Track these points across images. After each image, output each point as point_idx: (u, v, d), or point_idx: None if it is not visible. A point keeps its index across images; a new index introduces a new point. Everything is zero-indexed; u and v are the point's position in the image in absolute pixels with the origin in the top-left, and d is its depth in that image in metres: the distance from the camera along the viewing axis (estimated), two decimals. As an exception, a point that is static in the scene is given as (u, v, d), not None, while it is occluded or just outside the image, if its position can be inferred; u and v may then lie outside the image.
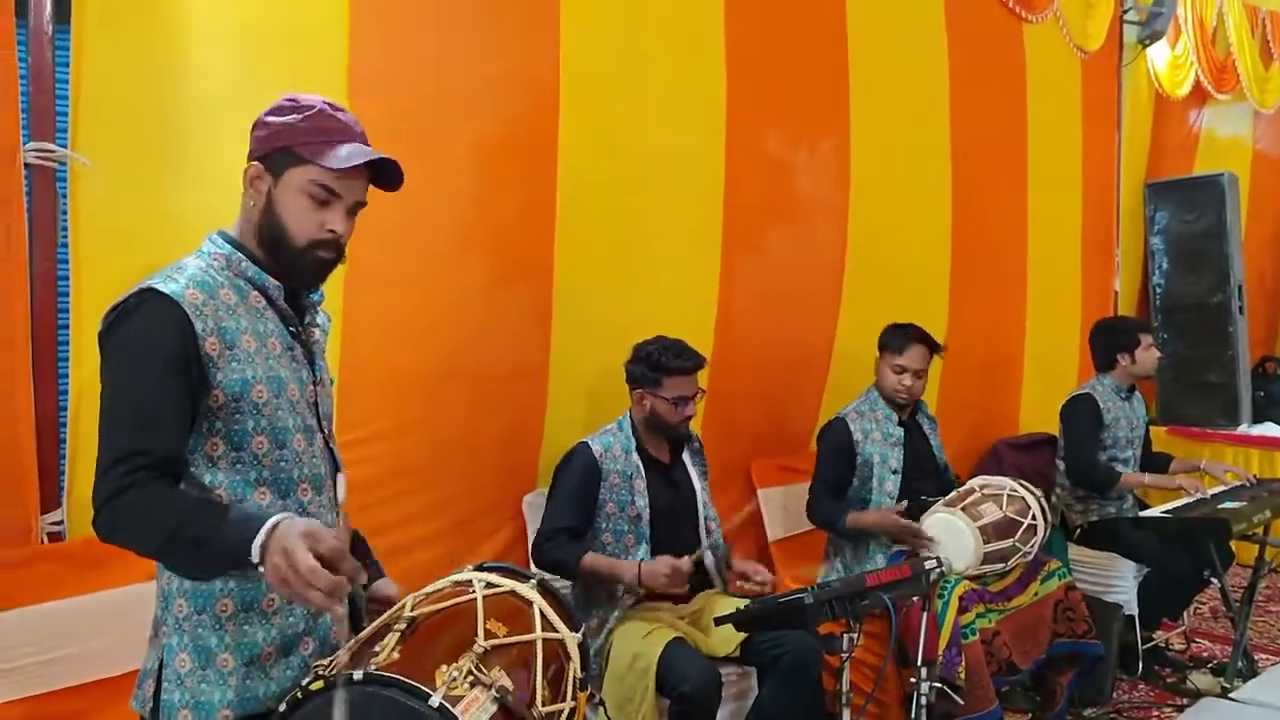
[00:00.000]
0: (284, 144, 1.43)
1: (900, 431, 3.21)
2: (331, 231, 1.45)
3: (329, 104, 1.47)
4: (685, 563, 2.43)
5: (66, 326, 2.16)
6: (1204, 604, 4.35)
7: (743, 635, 2.43)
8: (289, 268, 1.46)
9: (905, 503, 3.05)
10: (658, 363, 2.64)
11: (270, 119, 1.45)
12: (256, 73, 2.32)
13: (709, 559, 2.74)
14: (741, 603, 2.39)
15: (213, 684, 1.37)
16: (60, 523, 2.14)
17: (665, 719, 2.35)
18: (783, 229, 3.58)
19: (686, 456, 2.80)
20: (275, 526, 1.20)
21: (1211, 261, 5.33)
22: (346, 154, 1.43)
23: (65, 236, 2.14)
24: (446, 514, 2.77)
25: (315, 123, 1.45)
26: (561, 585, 2.43)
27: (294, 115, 1.44)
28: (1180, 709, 3.31)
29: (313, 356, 1.54)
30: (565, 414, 3.01)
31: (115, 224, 2.16)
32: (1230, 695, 3.28)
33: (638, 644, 2.40)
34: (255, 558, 1.20)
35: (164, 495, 1.27)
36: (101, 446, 1.30)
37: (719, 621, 2.24)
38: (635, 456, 2.65)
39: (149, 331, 1.33)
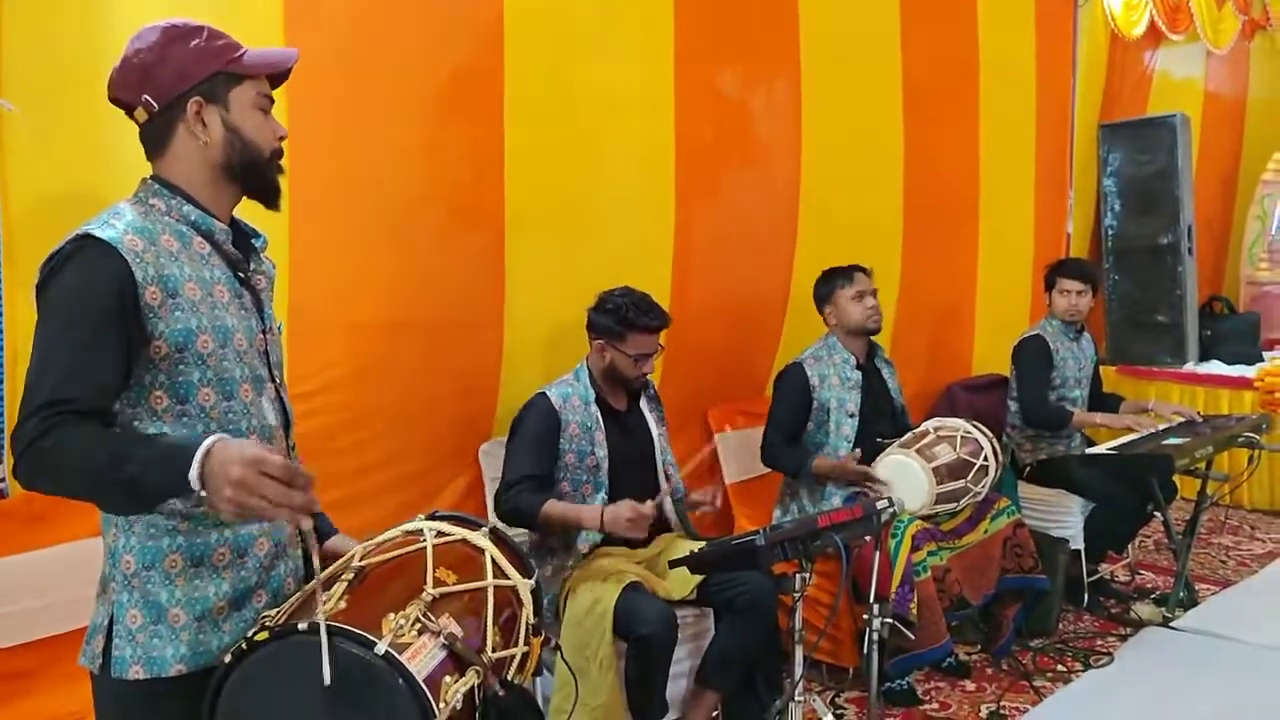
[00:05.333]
0: (214, 69, 1.40)
1: (858, 375, 3.24)
2: (282, 138, 1.48)
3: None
4: (648, 506, 2.43)
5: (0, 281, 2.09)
6: (1148, 537, 4.48)
7: (698, 578, 2.46)
8: (260, 184, 1.47)
9: (859, 450, 3.08)
10: (624, 317, 2.60)
11: (174, 50, 1.39)
12: (188, 8, 2.22)
13: (668, 504, 2.76)
14: (696, 545, 2.42)
15: (165, 639, 1.35)
16: (2, 479, 2.09)
17: (623, 661, 2.38)
18: (736, 172, 3.55)
19: (643, 403, 2.80)
20: (209, 451, 1.17)
21: (1162, 203, 5.39)
22: (277, 57, 1.46)
23: (-6, 186, 2.07)
24: (402, 464, 2.76)
25: (224, 39, 1.43)
26: (517, 534, 2.43)
27: (199, 39, 1.40)
28: (1124, 638, 3.42)
29: (261, 304, 1.50)
30: (521, 363, 2.99)
31: (46, 171, 2.09)
32: (1172, 624, 3.41)
33: (595, 589, 2.42)
34: (195, 485, 1.16)
35: (89, 435, 1.23)
36: (26, 394, 1.25)
37: (674, 564, 2.27)
38: (594, 408, 2.64)
39: (85, 280, 1.28)
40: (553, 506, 2.50)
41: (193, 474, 1.17)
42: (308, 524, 1.20)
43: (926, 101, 4.18)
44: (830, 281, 3.30)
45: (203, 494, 1.17)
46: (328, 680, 1.16)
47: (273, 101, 1.48)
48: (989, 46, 4.51)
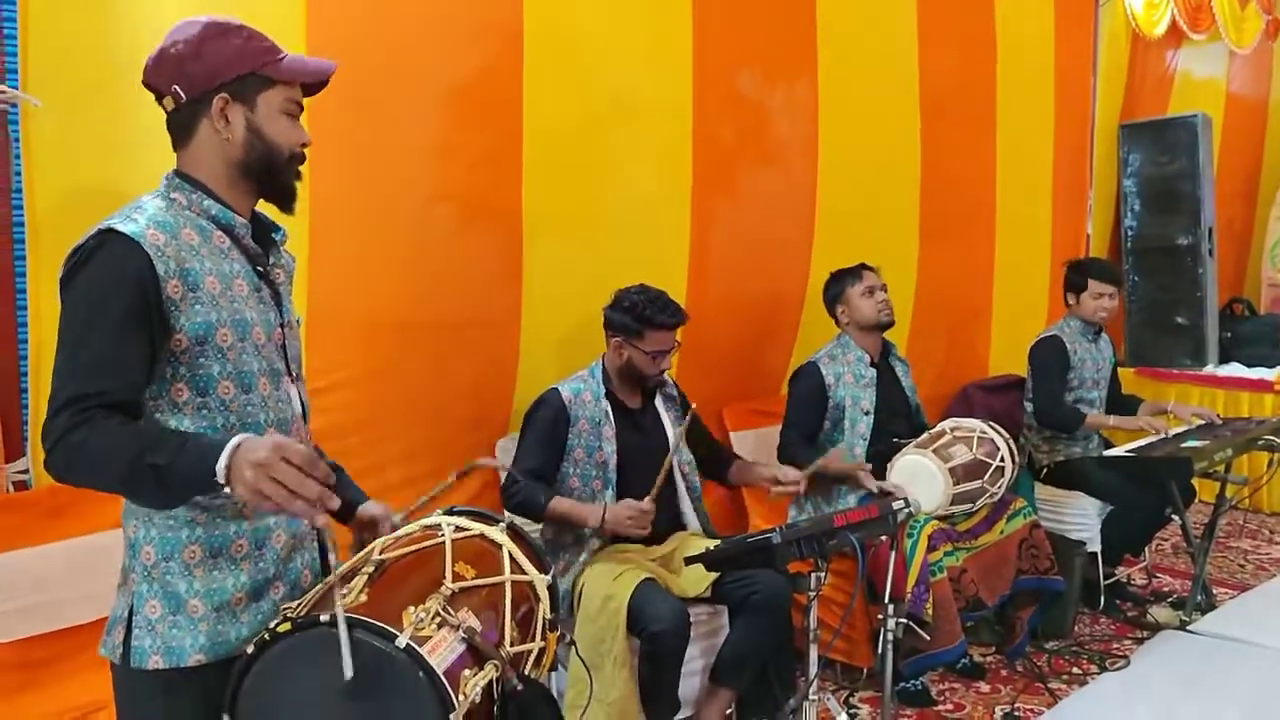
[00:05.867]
0: (247, 69, 1.41)
1: (873, 372, 3.24)
2: (305, 145, 1.49)
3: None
4: (647, 502, 2.43)
5: (24, 274, 2.11)
6: (1165, 540, 4.45)
7: (714, 575, 2.46)
8: (275, 187, 1.47)
9: (871, 465, 3.08)
10: (641, 315, 2.61)
11: (210, 46, 1.40)
12: (211, 9, 2.24)
13: (686, 503, 2.76)
14: (711, 543, 2.42)
15: (184, 630, 1.36)
16: (25, 471, 2.12)
17: (636, 658, 2.38)
18: (753, 171, 3.55)
19: (659, 402, 2.81)
20: (238, 446, 1.19)
21: (1183, 204, 5.35)
22: (315, 67, 1.47)
23: (19, 180, 2.08)
24: (418, 461, 2.76)
25: (262, 42, 1.44)
26: (530, 528, 2.44)
27: (238, 39, 1.42)
28: (1140, 641, 3.40)
29: (280, 297, 1.51)
30: (537, 360, 2.99)
31: (70, 166, 2.11)
32: (1189, 628, 3.38)
33: (609, 585, 2.42)
34: (220, 478, 1.19)
35: (119, 428, 1.25)
36: (55, 390, 1.27)
37: (689, 561, 2.27)
38: (604, 403, 2.65)
39: (109, 274, 1.29)
40: (559, 503, 2.53)
41: (220, 465, 1.18)
42: (322, 520, 1.20)
43: (944, 101, 4.16)
44: (840, 282, 3.32)
45: (227, 489, 1.19)
46: (349, 673, 1.17)
47: (302, 109, 1.49)
48: (1007, 46, 4.47)
